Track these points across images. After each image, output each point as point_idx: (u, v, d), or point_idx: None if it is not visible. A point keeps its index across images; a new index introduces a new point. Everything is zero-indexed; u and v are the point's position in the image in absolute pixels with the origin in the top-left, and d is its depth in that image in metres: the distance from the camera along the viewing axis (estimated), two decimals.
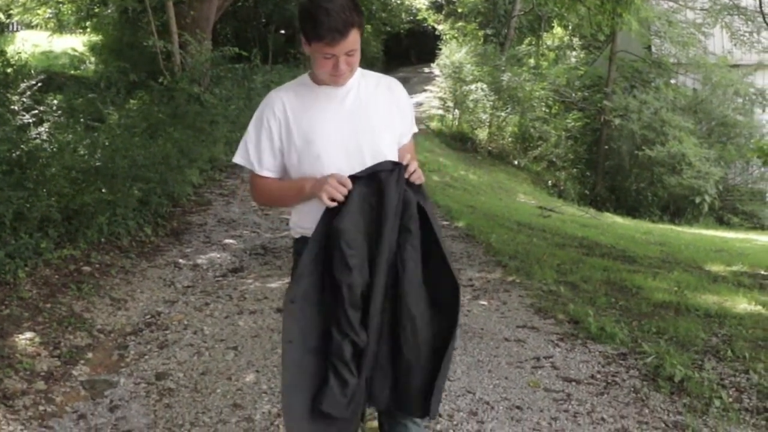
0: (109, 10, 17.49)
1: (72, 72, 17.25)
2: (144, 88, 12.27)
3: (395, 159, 2.61)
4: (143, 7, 13.48)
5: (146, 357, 4.68)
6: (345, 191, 2.48)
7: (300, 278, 2.53)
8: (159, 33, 12.86)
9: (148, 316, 5.41)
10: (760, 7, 12.00)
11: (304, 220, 2.66)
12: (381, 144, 2.63)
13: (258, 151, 2.66)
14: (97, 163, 7.07)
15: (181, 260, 6.88)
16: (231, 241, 7.67)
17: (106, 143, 7.78)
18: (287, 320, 2.52)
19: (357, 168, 2.54)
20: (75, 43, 20.97)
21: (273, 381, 4.31)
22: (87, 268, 6.05)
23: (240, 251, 7.29)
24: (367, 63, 27.51)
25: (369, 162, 2.55)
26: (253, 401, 4.07)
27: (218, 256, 7.11)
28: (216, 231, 8.03)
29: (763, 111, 18.19)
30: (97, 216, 6.54)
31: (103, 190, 6.76)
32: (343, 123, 2.60)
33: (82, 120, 9.06)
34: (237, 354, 4.74)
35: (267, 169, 2.67)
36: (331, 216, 2.50)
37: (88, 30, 19.98)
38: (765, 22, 12.75)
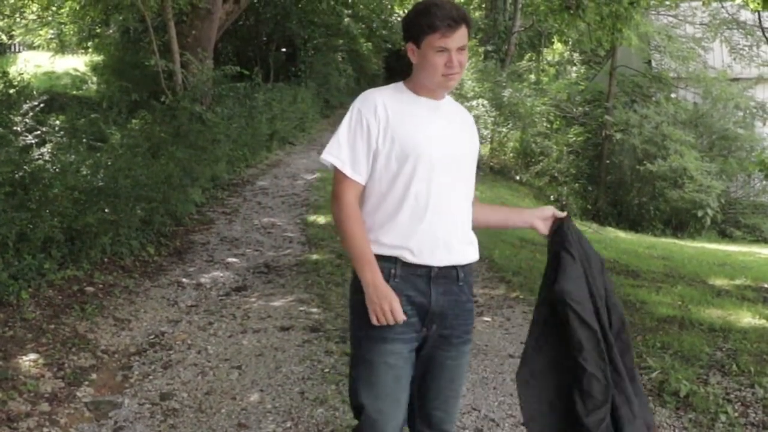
0: (111, 30, 17.60)
1: (74, 92, 17.33)
2: (146, 108, 12.28)
3: (473, 170, 2.69)
4: (145, 26, 13.55)
5: (150, 377, 4.67)
6: (391, 322, 2.48)
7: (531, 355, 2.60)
8: (160, 52, 12.90)
9: (152, 336, 5.40)
10: (759, 21, 12.04)
11: (391, 236, 2.56)
12: (472, 165, 2.66)
13: (352, 152, 2.54)
14: (100, 183, 7.08)
15: (184, 279, 6.88)
16: (234, 259, 7.67)
17: (109, 163, 7.79)
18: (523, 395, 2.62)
19: (446, 182, 2.56)
20: (77, 63, 21.09)
21: (277, 400, 4.31)
22: (90, 289, 6.05)
23: (243, 270, 7.28)
24: (368, 80, 27.62)
25: (458, 180, 2.61)
26: (257, 421, 4.06)
27: (221, 275, 7.11)
28: (219, 250, 8.03)
29: (764, 124, 18.23)
30: (100, 236, 6.55)
31: (106, 210, 6.77)
32: (447, 137, 2.58)
33: (84, 140, 9.06)
34: (241, 373, 4.73)
35: (359, 173, 2.54)
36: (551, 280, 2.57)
37: (90, 50, 20.12)
38: (764, 36, 12.79)
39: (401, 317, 2.48)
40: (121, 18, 15.41)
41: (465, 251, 2.64)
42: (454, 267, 2.60)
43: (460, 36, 2.48)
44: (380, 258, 2.52)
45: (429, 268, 2.55)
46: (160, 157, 9.26)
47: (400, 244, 2.53)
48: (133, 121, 11.78)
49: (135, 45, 16.42)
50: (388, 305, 2.46)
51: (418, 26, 2.49)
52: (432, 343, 2.62)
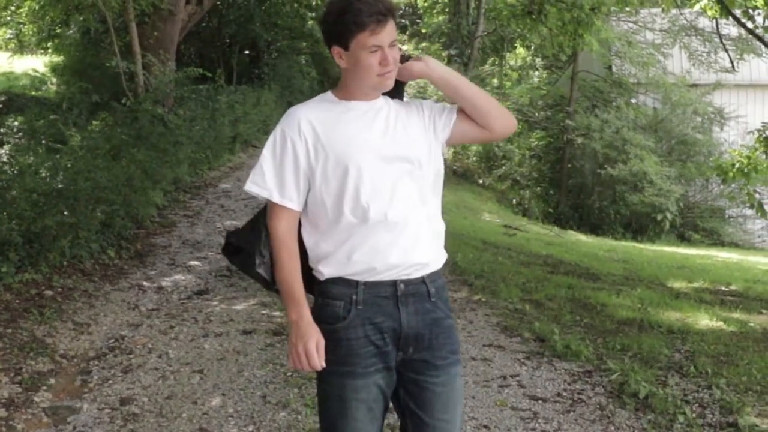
0: (71, 31, 17.35)
1: (33, 93, 17.07)
2: (107, 110, 12.16)
3: (435, 166, 2.41)
4: (106, 27, 13.39)
5: (110, 382, 4.61)
6: (306, 367, 2.28)
7: None
8: (122, 53, 12.76)
9: (112, 341, 5.34)
10: (717, 28, 12.26)
11: (348, 256, 2.33)
12: (420, 152, 2.36)
13: (279, 177, 2.32)
14: (59, 186, 6.99)
15: (145, 283, 6.81)
16: (196, 263, 7.61)
17: (68, 165, 7.69)
18: None
19: (396, 182, 2.31)
20: (36, 64, 20.77)
21: (239, 404, 4.28)
22: (49, 292, 5.96)
23: (205, 273, 7.23)
24: (332, 83, 27.56)
25: (407, 174, 2.32)
26: (219, 425, 4.04)
27: (183, 278, 7.05)
28: (181, 253, 7.97)
29: (721, 130, 18.56)
30: (59, 239, 6.46)
31: (66, 213, 6.67)
32: (381, 135, 2.33)
33: (43, 142, 8.95)
34: (203, 377, 4.69)
35: (289, 198, 2.32)
36: None
37: (50, 51, 19.82)
38: (722, 43, 13.05)
39: (316, 363, 2.26)
40: (81, 18, 15.17)
41: (427, 257, 2.37)
42: (423, 282, 2.36)
43: (391, 30, 2.26)
44: (339, 282, 2.31)
45: (394, 286, 2.31)
46: (121, 159, 9.16)
47: (360, 262, 2.30)
48: (94, 122, 11.66)
49: (96, 46, 16.20)
50: (302, 347, 2.26)
51: (342, 26, 2.24)
52: (414, 369, 2.36)
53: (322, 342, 2.28)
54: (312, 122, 2.32)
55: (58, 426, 4.00)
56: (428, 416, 2.37)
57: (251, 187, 2.34)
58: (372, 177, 2.28)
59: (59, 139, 9.87)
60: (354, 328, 2.31)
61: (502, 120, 2.47)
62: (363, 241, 2.30)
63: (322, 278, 2.35)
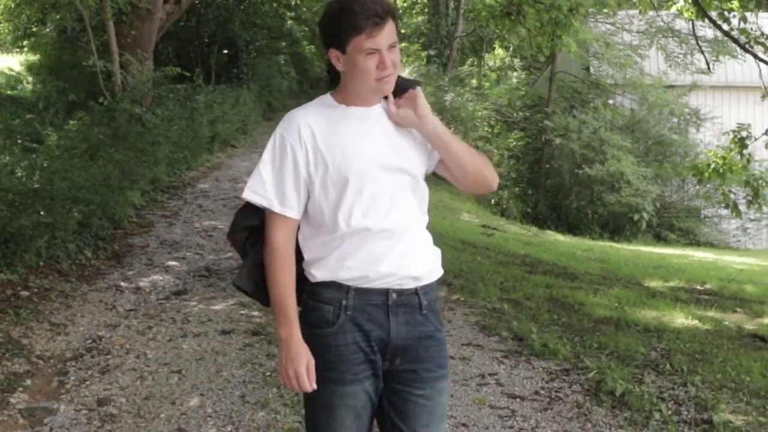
0: (48, 30, 17.22)
1: (9, 92, 16.93)
2: (84, 109, 12.07)
3: (421, 178, 2.35)
4: (82, 26, 13.29)
5: (87, 383, 4.58)
6: (296, 389, 2.25)
7: None
8: (99, 53, 12.68)
9: (89, 341, 5.30)
10: (693, 30, 12.39)
11: (341, 262, 2.29)
12: (418, 165, 2.33)
13: (278, 186, 2.25)
14: (36, 186, 6.93)
15: (122, 283, 6.77)
16: (174, 263, 7.58)
17: (45, 165, 7.63)
18: None
19: (395, 193, 2.27)
20: (12, 62, 20.61)
21: (218, 404, 4.27)
22: (25, 293, 5.91)
23: (183, 273, 7.20)
24: (311, 83, 27.56)
25: (407, 185, 2.29)
26: (198, 425, 4.02)
27: (161, 278, 7.02)
28: (158, 253, 7.93)
29: (697, 130, 18.74)
30: (35, 239, 6.41)
31: (42, 213, 6.62)
32: (381, 143, 2.28)
33: (19, 141, 8.89)
34: (181, 378, 4.68)
35: (289, 206, 2.26)
36: None
37: (26, 49, 19.64)
38: (698, 44, 13.18)
39: (306, 386, 2.24)
40: (58, 17, 15.08)
41: (422, 270, 2.32)
42: (415, 293, 2.30)
43: (389, 32, 2.18)
44: (331, 286, 2.26)
45: (386, 295, 2.27)
46: (98, 159, 9.11)
47: (354, 269, 2.25)
48: (71, 122, 11.58)
49: (72, 45, 16.09)
50: (293, 370, 2.23)
51: (339, 29, 2.19)
52: (400, 380, 2.32)
53: (312, 363, 2.25)
54: (312, 127, 2.25)
55: (35, 427, 3.97)
56: (409, 428, 2.32)
57: (250, 195, 2.28)
58: (371, 188, 2.24)
59: (35, 139, 9.81)
60: (343, 333, 2.26)
61: (478, 187, 2.53)
62: (358, 249, 2.25)
63: (313, 280, 2.31)
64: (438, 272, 2.40)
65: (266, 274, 2.29)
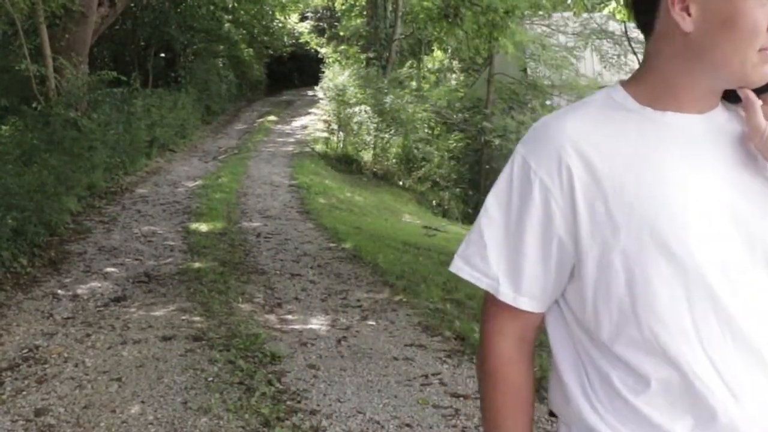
0: None
1: None
2: (17, 114, 11.80)
3: None
4: (14, 30, 12.99)
5: (24, 393, 4.49)
6: None
7: None
8: (32, 56, 12.40)
9: (25, 350, 5.19)
10: (626, 32, 12.69)
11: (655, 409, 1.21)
12: None
13: (511, 258, 1.28)
14: None
15: (59, 291, 6.65)
16: (113, 269, 7.46)
17: None
18: None
19: (754, 302, 1.17)
20: None
21: (159, 411, 4.23)
22: None
23: (122, 280, 7.10)
24: (250, 87, 27.39)
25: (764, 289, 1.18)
26: None
27: (99, 285, 6.91)
28: (96, 260, 7.80)
29: None
30: None
31: None
32: (735, 188, 1.20)
33: None
34: (121, 385, 4.61)
35: (528, 294, 1.30)
36: None
37: None
38: (630, 46, 13.50)
39: None
40: None
41: None
42: None
43: None
44: None
45: None
46: (32, 164, 8.93)
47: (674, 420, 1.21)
48: (3, 127, 11.31)
49: (4, 49, 15.66)
50: None
51: None
52: None
53: None
54: (586, 153, 1.20)
55: None
56: None
57: (462, 268, 1.34)
58: (700, 284, 1.15)
59: None
60: None
61: None
62: (697, 392, 1.18)
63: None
64: None
65: (479, 390, 1.43)
